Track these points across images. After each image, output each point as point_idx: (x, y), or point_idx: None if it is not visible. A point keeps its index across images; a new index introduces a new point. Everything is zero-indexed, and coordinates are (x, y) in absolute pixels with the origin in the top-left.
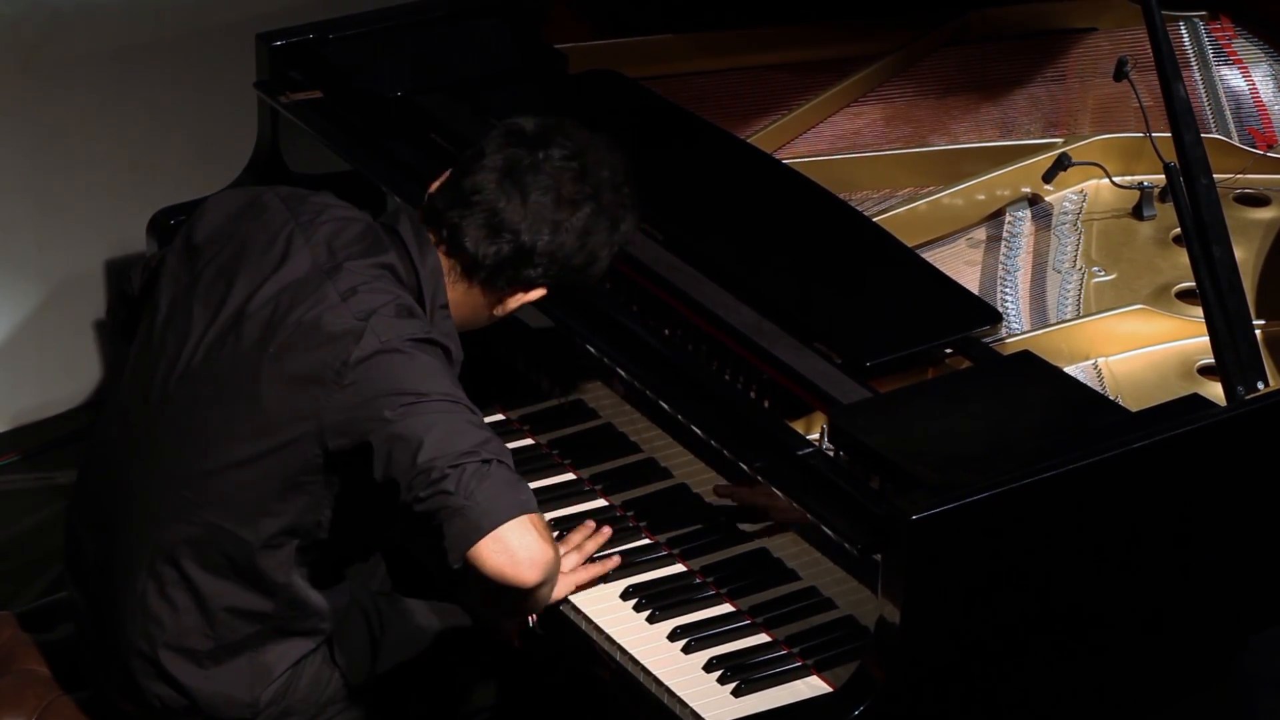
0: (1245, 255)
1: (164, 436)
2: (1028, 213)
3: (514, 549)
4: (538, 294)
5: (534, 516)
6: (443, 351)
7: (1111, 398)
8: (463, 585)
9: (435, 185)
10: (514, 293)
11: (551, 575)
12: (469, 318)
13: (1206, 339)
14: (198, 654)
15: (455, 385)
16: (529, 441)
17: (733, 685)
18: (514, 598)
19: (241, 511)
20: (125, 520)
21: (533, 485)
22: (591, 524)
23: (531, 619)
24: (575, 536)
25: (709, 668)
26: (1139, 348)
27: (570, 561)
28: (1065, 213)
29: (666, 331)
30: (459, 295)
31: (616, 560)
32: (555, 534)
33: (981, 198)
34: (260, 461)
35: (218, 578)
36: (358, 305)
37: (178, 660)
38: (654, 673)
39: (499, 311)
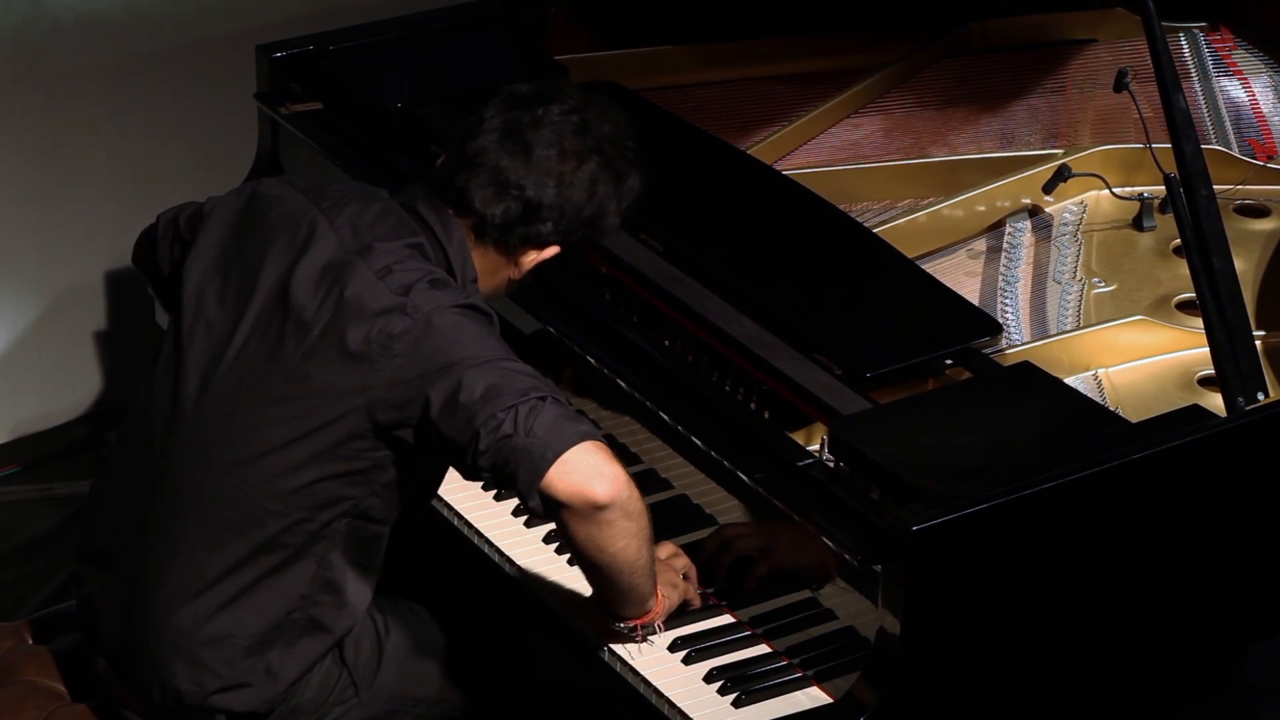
0: (1245, 266)
1: (207, 429)
2: (1028, 224)
3: (580, 470)
4: (551, 252)
5: (596, 443)
6: (484, 315)
7: (1111, 409)
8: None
9: (440, 159)
10: (526, 251)
11: (627, 500)
12: (490, 285)
13: (1207, 350)
14: (228, 643)
15: (500, 342)
16: None
17: (733, 696)
18: (590, 524)
19: (290, 495)
20: (164, 510)
21: None
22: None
23: (658, 625)
24: (674, 549)
25: (709, 679)
26: (1139, 359)
27: (685, 563)
28: (1065, 224)
29: (667, 342)
30: (478, 262)
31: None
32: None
33: (982, 209)
34: (307, 442)
35: (258, 561)
36: (394, 282)
37: (208, 650)
38: (654, 684)
39: (515, 274)
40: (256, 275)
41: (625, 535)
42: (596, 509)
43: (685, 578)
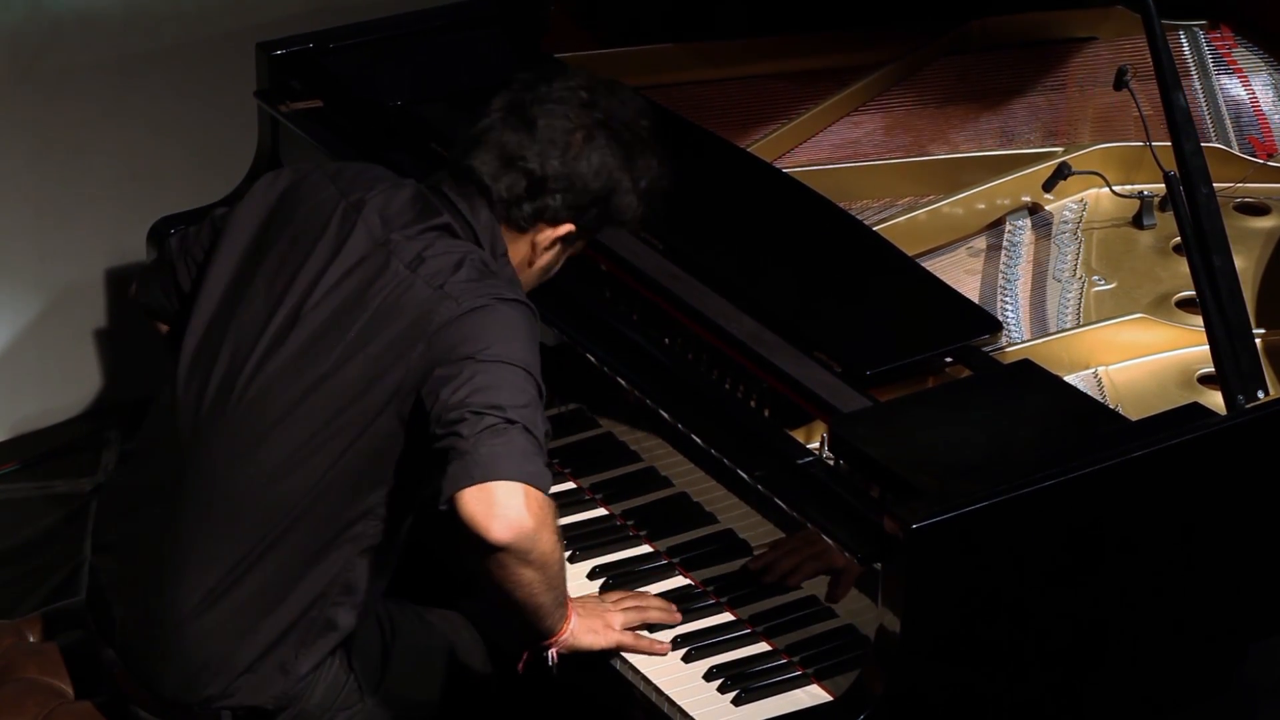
0: (1245, 264)
1: (237, 431)
2: (1028, 221)
3: (493, 503)
4: (566, 229)
5: (533, 489)
6: (525, 308)
7: (1111, 407)
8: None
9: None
10: (540, 229)
11: (528, 551)
12: (518, 270)
13: (1206, 348)
14: (248, 640)
15: (526, 344)
16: None
17: (733, 694)
18: (481, 553)
19: (320, 497)
20: (189, 508)
21: None
22: (669, 604)
23: (552, 656)
24: (649, 601)
25: (709, 676)
26: (1139, 356)
27: (627, 618)
28: (1065, 221)
29: (667, 340)
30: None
31: (667, 646)
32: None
33: (982, 207)
34: (338, 445)
35: (283, 563)
36: (428, 272)
37: (229, 644)
38: (654, 681)
39: (539, 258)
40: (291, 274)
41: (517, 580)
42: (487, 546)
43: (648, 623)
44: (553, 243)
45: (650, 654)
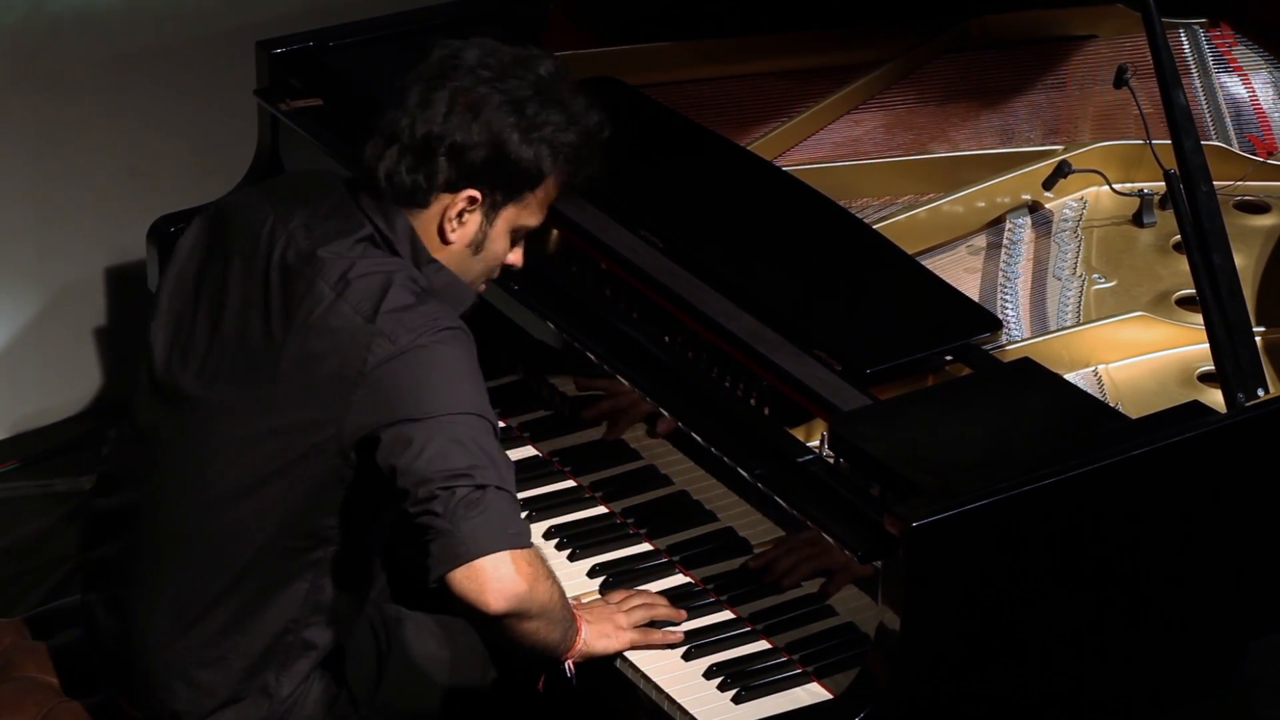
0: (1245, 262)
1: (189, 465)
2: (1028, 220)
3: (484, 579)
4: (469, 194)
5: (519, 551)
6: (461, 337)
7: (1112, 405)
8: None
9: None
10: (441, 199)
11: (526, 610)
12: (446, 261)
13: (1207, 346)
14: (223, 665)
15: (471, 381)
16: (529, 449)
17: (733, 692)
18: (482, 625)
19: (273, 529)
20: (154, 534)
21: (533, 493)
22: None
23: (569, 668)
24: (654, 597)
25: (709, 674)
26: (1139, 355)
27: (636, 616)
28: (1065, 220)
29: (667, 338)
30: (425, 238)
31: (680, 636)
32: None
33: (982, 205)
34: (285, 477)
35: (248, 590)
36: (355, 298)
37: (202, 672)
38: (654, 679)
39: (459, 239)
40: (223, 298)
41: (523, 633)
42: (486, 618)
43: (653, 622)
44: (462, 213)
45: (665, 646)
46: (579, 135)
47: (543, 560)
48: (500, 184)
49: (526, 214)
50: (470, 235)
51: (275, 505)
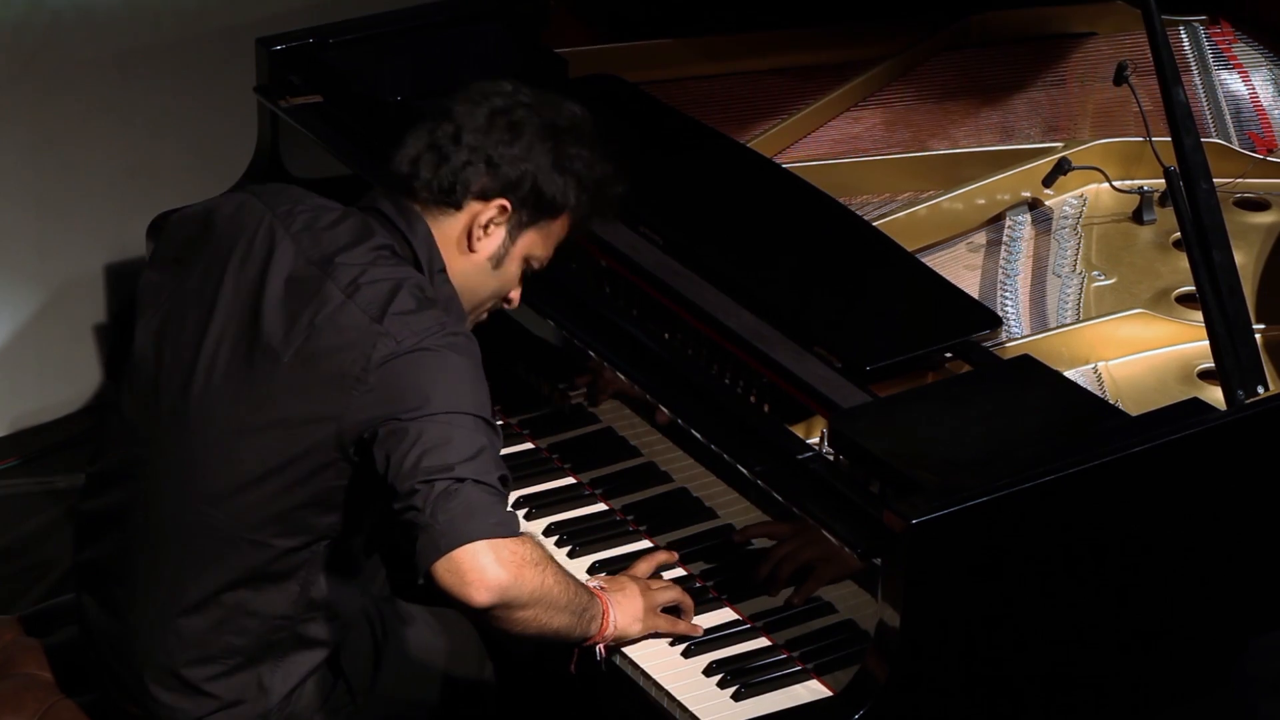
0: (1245, 259)
1: (181, 461)
2: (1028, 217)
3: (464, 570)
4: (499, 203)
5: (501, 540)
6: (466, 342)
7: (1111, 402)
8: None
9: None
10: (472, 206)
11: (514, 599)
12: (463, 268)
13: (1206, 343)
14: (216, 663)
15: (472, 384)
16: (529, 446)
17: (733, 689)
18: (474, 617)
19: (266, 525)
20: (145, 533)
21: (532, 490)
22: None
23: (600, 651)
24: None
25: (709, 672)
26: (1139, 352)
27: (665, 597)
28: (1065, 217)
29: (667, 336)
30: (443, 243)
31: (700, 629)
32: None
33: (981, 202)
34: (281, 473)
35: (241, 587)
36: (365, 300)
37: (196, 670)
38: (654, 677)
39: (483, 249)
40: (215, 292)
41: (521, 622)
42: (474, 610)
43: (677, 608)
44: (490, 223)
45: (687, 636)
46: (603, 177)
47: (535, 547)
48: (529, 205)
49: (541, 243)
50: (494, 248)
51: (271, 501)
